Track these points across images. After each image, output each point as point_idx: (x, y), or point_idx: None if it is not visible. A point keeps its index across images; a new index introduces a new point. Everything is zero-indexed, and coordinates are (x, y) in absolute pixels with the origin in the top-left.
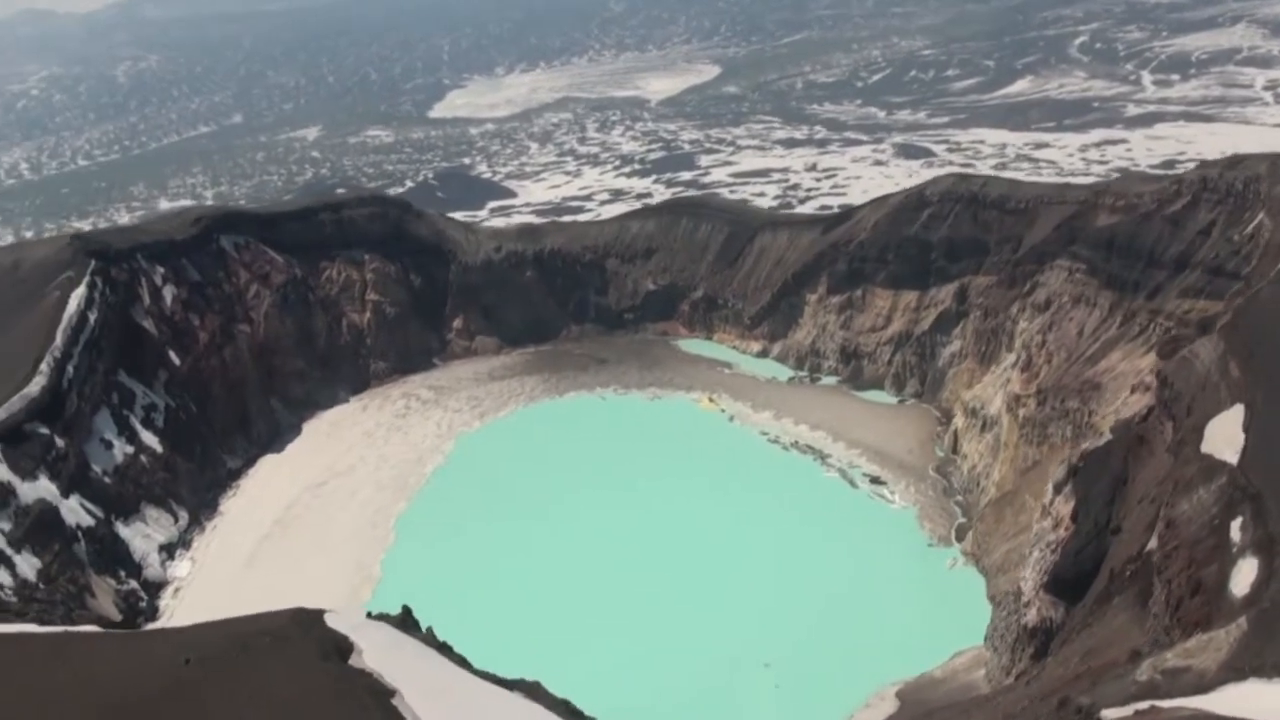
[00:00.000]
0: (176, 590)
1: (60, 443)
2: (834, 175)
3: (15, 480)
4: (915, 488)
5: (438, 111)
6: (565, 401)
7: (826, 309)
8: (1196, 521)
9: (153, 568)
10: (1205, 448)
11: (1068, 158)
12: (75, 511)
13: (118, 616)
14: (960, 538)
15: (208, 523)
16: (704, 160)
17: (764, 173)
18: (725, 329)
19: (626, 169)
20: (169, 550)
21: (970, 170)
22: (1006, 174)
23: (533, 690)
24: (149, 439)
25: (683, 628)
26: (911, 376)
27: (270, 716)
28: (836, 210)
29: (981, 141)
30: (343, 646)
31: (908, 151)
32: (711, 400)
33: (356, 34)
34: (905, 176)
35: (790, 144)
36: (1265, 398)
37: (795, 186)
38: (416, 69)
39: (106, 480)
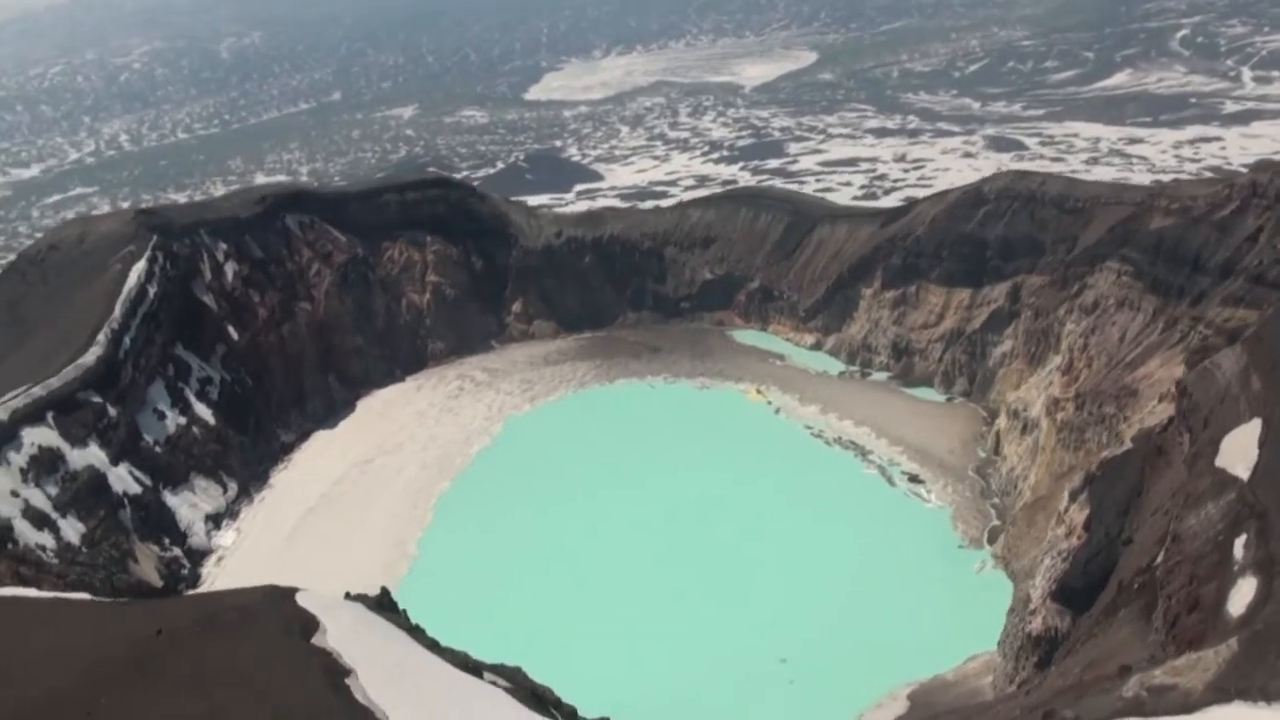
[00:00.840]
0: (219, 559)
1: (113, 412)
2: (922, 166)
3: (65, 447)
4: (953, 488)
5: (533, 93)
6: (615, 388)
7: (880, 304)
8: (1201, 537)
9: (197, 536)
10: (1219, 461)
11: (1160, 154)
12: (123, 479)
13: (158, 582)
14: (992, 540)
15: (256, 495)
16: (793, 148)
17: (852, 162)
18: (780, 321)
19: (714, 155)
20: (215, 520)
21: (1060, 164)
22: (1098, 170)
23: (511, 675)
24: (202, 411)
25: (703, 619)
26: (961, 375)
27: (222, 689)
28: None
29: (1075, 135)
30: (308, 625)
31: (999, 144)
32: (759, 392)
33: (457, 14)
34: (993, 170)
35: (881, 133)
36: None
37: (882, 177)
38: (515, 50)
39: (157, 450)
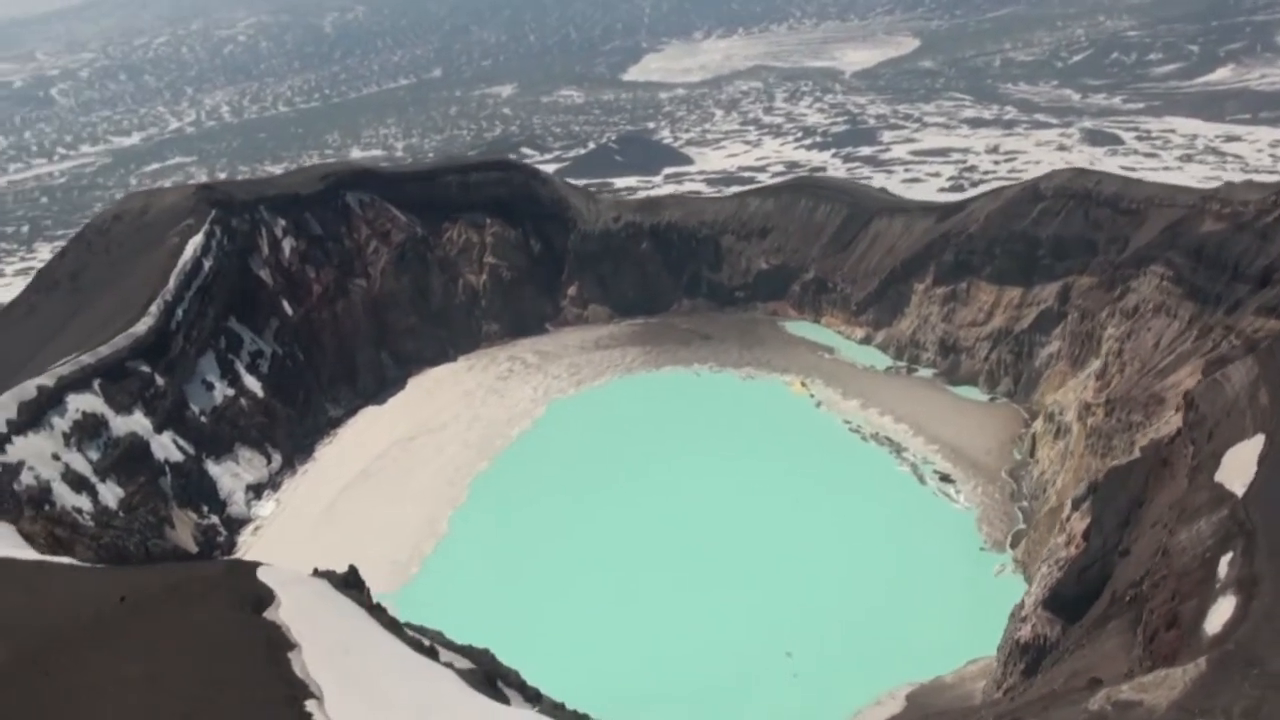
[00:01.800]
0: (256, 529)
1: (160, 381)
2: (1014, 159)
3: (109, 413)
4: (983, 489)
5: (631, 74)
6: (660, 375)
7: (931, 300)
8: (1190, 553)
9: (237, 505)
10: (1219, 476)
11: (1256, 153)
12: (165, 447)
13: (194, 549)
14: (1015, 545)
15: (300, 467)
16: (886, 136)
17: (944, 152)
18: (833, 313)
19: (807, 141)
20: (257, 490)
21: (1153, 160)
22: (1191, 167)
23: (477, 657)
24: (251, 383)
25: (715, 610)
26: (1006, 375)
27: (166, 655)
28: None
29: (1172, 131)
30: (263, 599)
31: (1094, 138)
32: (803, 384)
33: None
34: (1086, 163)
35: (977, 123)
36: None
37: (972, 169)
38: (616, 30)
39: (203, 420)
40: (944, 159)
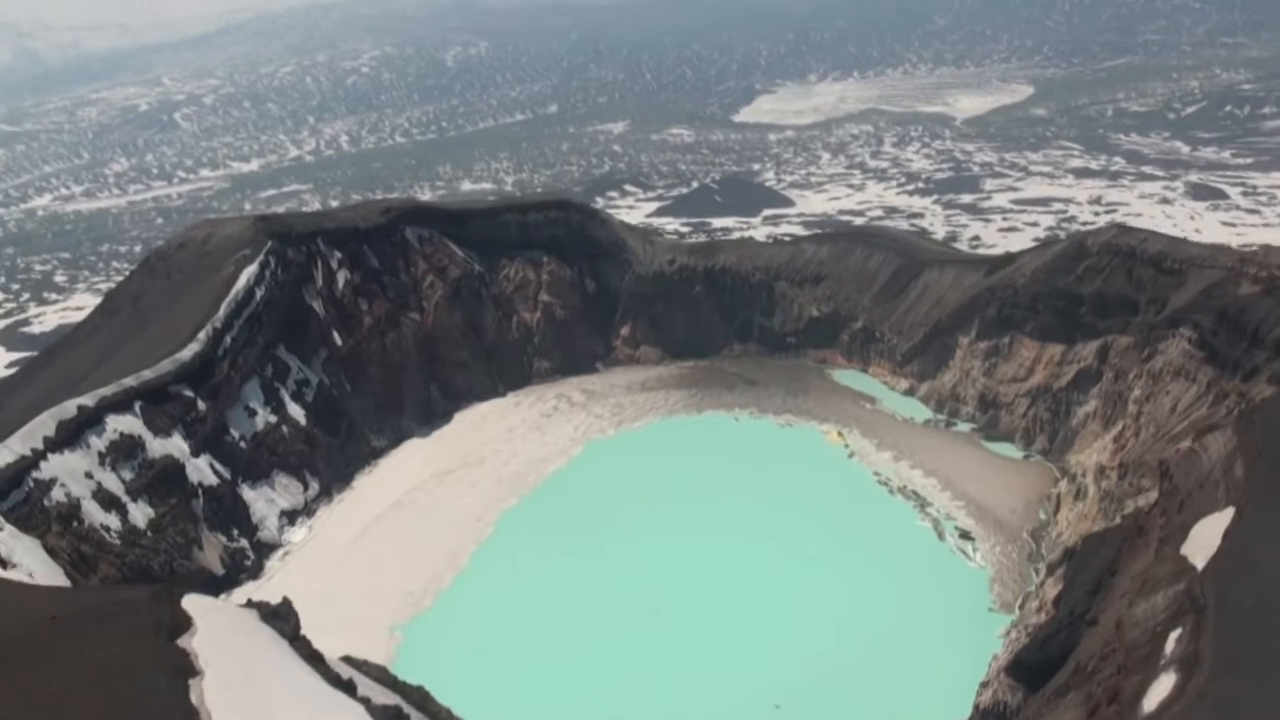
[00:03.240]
0: (286, 554)
1: (202, 406)
2: (1114, 210)
3: (147, 435)
4: (1002, 548)
5: (743, 115)
6: (700, 419)
7: (974, 354)
8: (1142, 626)
9: (268, 531)
10: (1185, 549)
11: None
12: (201, 470)
13: (220, 571)
14: (1024, 606)
15: (337, 495)
16: (989, 184)
17: (1045, 201)
18: (880, 363)
19: (909, 187)
20: (291, 516)
21: (1254, 217)
22: None
23: (410, 694)
24: (295, 411)
25: (711, 660)
26: (1041, 433)
27: (77, 675)
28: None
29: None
30: (180, 625)
31: (1198, 192)
32: (839, 434)
33: (681, 33)
34: (1187, 218)
35: (1082, 174)
36: (1257, 504)
37: (1071, 219)
38: (731, 71)
39: (242, 445)
40: (1044, 209)
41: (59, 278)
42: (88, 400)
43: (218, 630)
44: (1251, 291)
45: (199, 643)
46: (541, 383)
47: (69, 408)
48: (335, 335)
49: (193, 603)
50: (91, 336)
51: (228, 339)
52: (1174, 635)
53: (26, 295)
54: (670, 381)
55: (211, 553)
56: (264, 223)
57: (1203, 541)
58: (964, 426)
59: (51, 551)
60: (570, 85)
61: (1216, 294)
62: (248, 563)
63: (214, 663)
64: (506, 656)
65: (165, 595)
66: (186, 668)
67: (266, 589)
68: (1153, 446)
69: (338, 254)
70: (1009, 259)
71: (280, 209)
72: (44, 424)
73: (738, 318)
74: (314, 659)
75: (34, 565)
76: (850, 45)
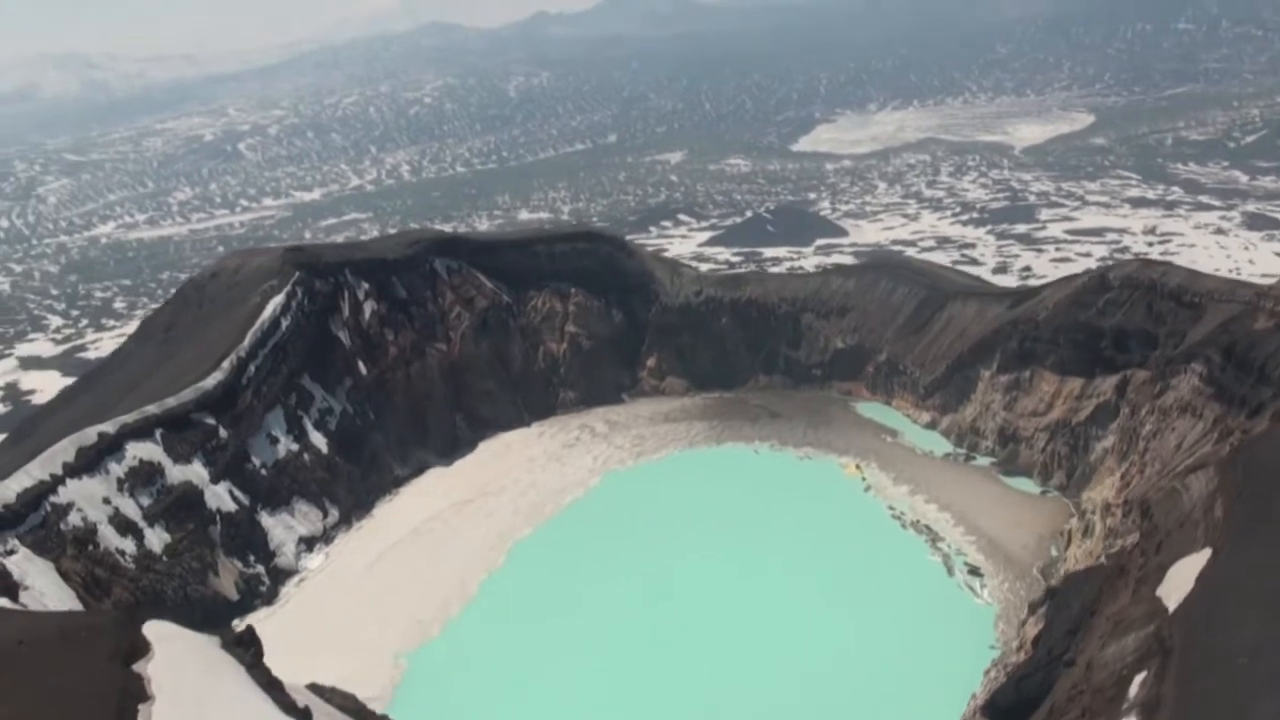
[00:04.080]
0: (301, 580)
1: (224, 433)
2: (1168, 241)
3: (167, 462)
4: (1010, 585)
5: (801, 144)
6: (719, 451)
7: (994, 387)
8: (1109, 669)
9: (285, 557)
10: (1161, 589)
11: None
12: (219, 496)
13: (234, 596)
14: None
15: (357, 523)
16: (1044, 214)
17: (1099, 232)
18: (903, 396)
19: (964, 216)
20: (309, 543)
21: None
22: None
23: None
24: (317, 439)
25: (712, 689)
26: (1059, 468)
27: (31, 697)
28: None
29: None
30: (138, 650)
31: (1254, 222)
32: (857, 467)
33: (740, 63)
34: (1240, 249)
35: (1139, 203)
36: (1234, 547)
37: (1124, 250)
38: (791, 100)
39: (263, 472)
40: (1098, 239)
41: (118, 304)
42: (109, 427)
43: (175, 657)
44: (1265, 326)
45: (154, 668)
46: (566, 413)
47: (89, 434)
48: (360, 365)
49: (153, 629)
50: (125, 363)
51: (252, 368)
52: (1139, 678)
53: (85, 321)
54: (694, 413)
55: (227, 578)
56: (293, 254)
57: (1178, 583)
58: (983, 461)
59: (65, 575)
60: (630, 115)
61: (1232, 329)
62: (263, 588)
63: (166, 689)
64: (510, 686)
65: (127, 620)
66: (138, 693)
67: (280, 615)
68: (1156, 484)
69: (365, 285)
70: (1032, 292)
71: (339, 237)
72: (64, 450)
73: (764, 349)
74: (271, 686)
75: (46, 588)
76: (911, 74)
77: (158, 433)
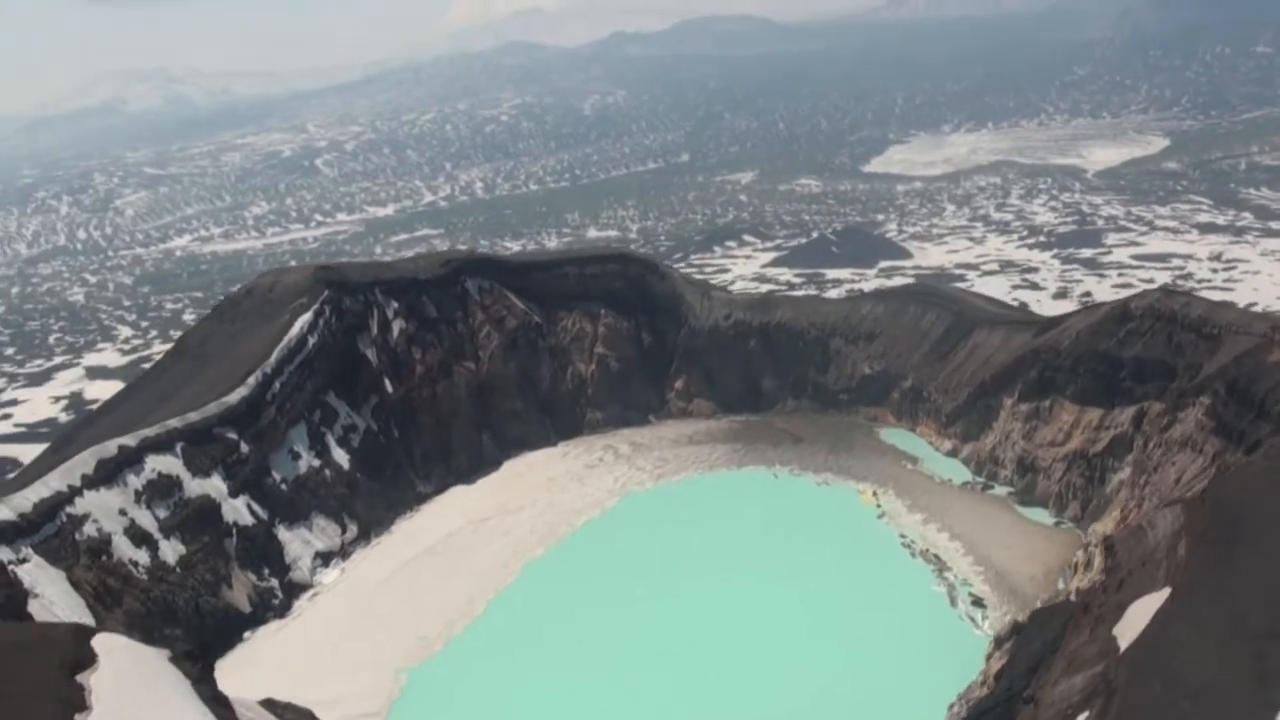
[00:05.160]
0: (315, 594)
1: (245, 448)
2: (1233, 268)
3: (185, 475)
4: (1014, 618)
5: (873, 165)
6: (739, 474)
7: (1015, 416)
8: (1056, 708)
9: (300, 571)
10: (1118, 628)
11: None
12: (237, 509)
13: (247, 609)
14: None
15: (375, 539)
16: (1111, 238)
17: (1164, 257)
18: (927, 422)
19: (1030, 240)
20: (325, 558)
21: None
22: None
23: None
24: (339, 455)
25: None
26: (1074, 499)
27: None
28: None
29: None
30: (84, 662)
31: None
32: (874, 494)
33: (818, 83)
34: None
35: (1208, 229)
36: (1193, 586)
37: (1187, 276)
38: (866, 121)
39: (282, 487)
40: (1163, 265)
41: (188, 316)
42: (129, 440)
43: (119, 669)
44: (1278, 360)
45: (98, 679)
46: (593, 433)
47: (110, 447)
48: (387, 382)
49: (103, 641)
50: (160, 377)
51: (277, 384)
52: (1081, 718)
53: (154, 332)
54: (718, 436)
55: (240, 591)
56: (324, 272)
57: (1135, 621)
58: (1001, 490)
59: (76, 584)
60: (704, 134)
61: (1245, 361)
62: (275, 602)
63: (105, 700)
64: (506, 704)
65: (80, 633)
66: (76, 703)
67: (291, 628)
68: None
69: (394, 303)
70: (1057, 320)
71: (409, 253)
72: (84, 461)
73: (792, 374)
74: (215, 701)
75: (56, 597)
76: (987, 96)
77: (178, 446)
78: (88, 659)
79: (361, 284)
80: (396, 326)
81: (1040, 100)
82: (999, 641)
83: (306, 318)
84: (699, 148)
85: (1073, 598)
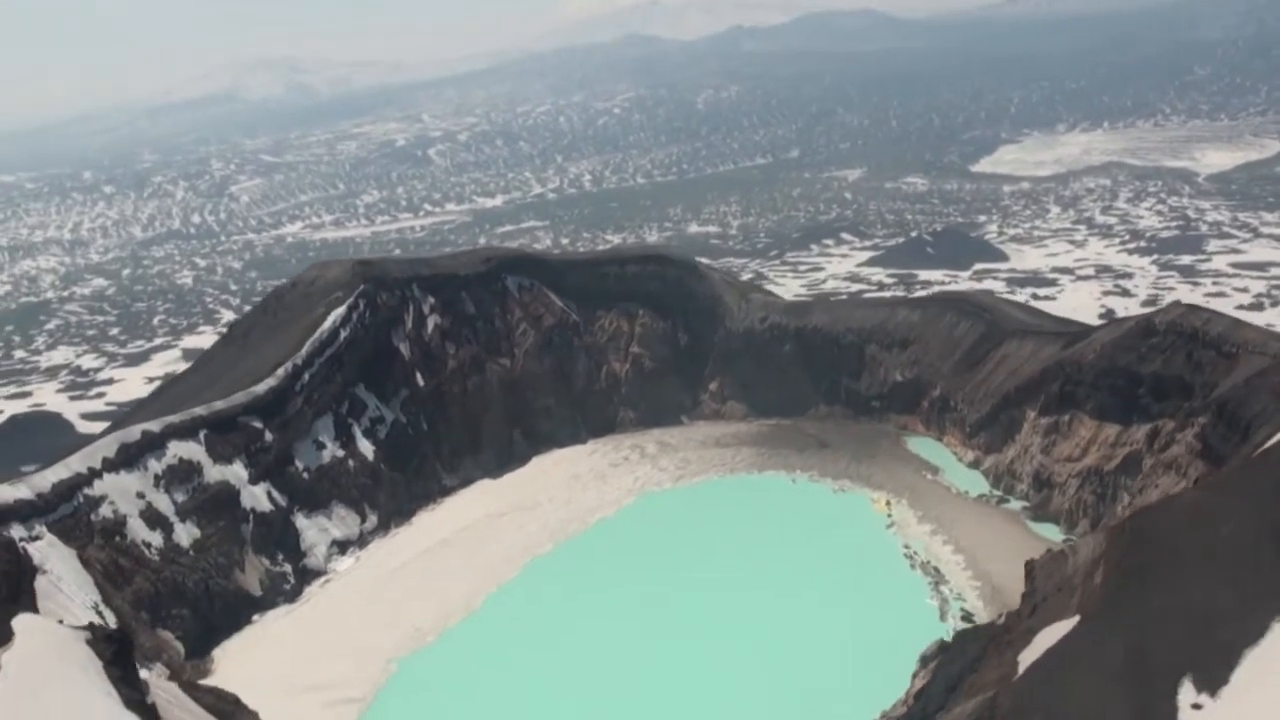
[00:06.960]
0: (327, 581)
1: (269, 437)
2: None
3: (206, 461)
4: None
5: (982, 165)
6: (757, 478)
7: (1036, 429)
8: None
9: (315, 558)
10: (1024, 654)
11: None
12: (256, 496)
13: (258, 593)
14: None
15: (394, 529)
16: (1212, 245)
17: (1263, 266)
18: (953, 432)
19: (1130, 245)
20: (342, 546)
21: None
22: None
23: None
24: (364, 446)
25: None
26: (1085, 516)
27: None
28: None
29: None
30: None
31: None
32: (887, 503)
33: (933, 79)
34: None
35: None
36: (1099, 615)
37: None
38: (979, 119)
39: (304, 476)
40: (1260, 274)
41: None
42: (153, 425)
43: (31, 648)
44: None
45: (9, 657)
46: (624, 432)
47: (133, 431)
48: (418, 376)
49: (24, 621)
50: (208, 365)
51: (306, 375)
52: None
53: None
54: (746, 439)
55: (252, 575)
56: (363, 267)
57: (1041, 648)
58: (1016, 504)
59: (86, 562)
60: (815, 130)
61: (1253, 383)
62: (287, 587)
63: (10, 675)
64: (490, 695)
65: (5, 614)
66: None
67: (297, 613)
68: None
69: (431, 299)
70: (1085, 333)
71: (514, 244)
72: (107, 445)
73: (826, 379)
74: (124, 682)
75: (64, 574)
76: (1104, 95)
77: (202, 433)
78: (4, 637)
79: (399, 279)
80: (431, 321)
81: (1158, 100)
82: (924, 660)
83: (340, 311)
84: (809, 144)
85: None
